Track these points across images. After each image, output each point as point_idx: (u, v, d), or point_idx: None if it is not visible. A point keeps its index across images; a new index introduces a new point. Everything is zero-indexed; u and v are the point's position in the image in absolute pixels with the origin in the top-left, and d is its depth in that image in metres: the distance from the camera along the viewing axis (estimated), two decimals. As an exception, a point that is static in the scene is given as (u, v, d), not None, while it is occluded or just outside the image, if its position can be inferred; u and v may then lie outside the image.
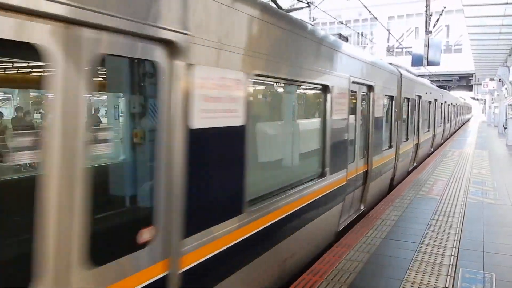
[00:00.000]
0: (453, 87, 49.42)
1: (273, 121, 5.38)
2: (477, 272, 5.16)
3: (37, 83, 6.38)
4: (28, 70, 5.27)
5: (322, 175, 5.62)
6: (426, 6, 17.16)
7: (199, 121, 3.07)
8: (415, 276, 4.97)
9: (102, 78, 3.60)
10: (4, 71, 5.66)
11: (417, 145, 14.04)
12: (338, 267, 5.19)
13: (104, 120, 8.97)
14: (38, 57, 2.04)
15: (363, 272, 5.08)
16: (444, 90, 26.98)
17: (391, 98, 9.75)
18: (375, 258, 5.55)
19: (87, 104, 2.26)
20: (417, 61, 17.32)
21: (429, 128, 16.72)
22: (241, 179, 3.67)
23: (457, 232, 6.71)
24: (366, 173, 7.81)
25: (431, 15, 17.44)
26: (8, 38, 1.91)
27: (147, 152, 2.98)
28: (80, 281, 2.28)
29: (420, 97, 13.66)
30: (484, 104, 62.59)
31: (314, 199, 5.29)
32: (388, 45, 49.84)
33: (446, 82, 46.86)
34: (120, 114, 4.75)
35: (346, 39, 7.64)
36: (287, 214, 4.57)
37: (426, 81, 17.52)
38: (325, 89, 5.65)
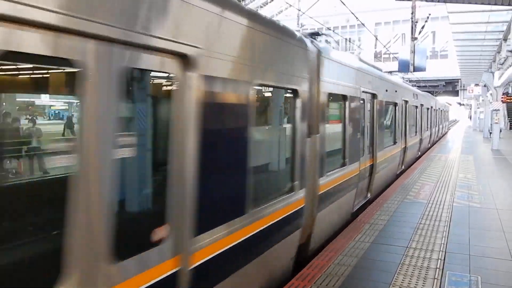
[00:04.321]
0: (439, 93, 50.12)
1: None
2: (463, 275, 5.22)
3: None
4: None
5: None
6: (412, 13, 17.42)
7: None
8: (402, 280, 5.02)
9: None
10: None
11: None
12: (327, 271, 5.22)
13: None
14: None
15: (352, 276, 5.11)
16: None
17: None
18: (363, 262, 5.59)
19: None
20: (404, 66, 17.56)
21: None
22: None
23: (443, 235, 6.80)
24: (372, 166, 9.45)
25: (416, 21, 17.70)
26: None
27: None
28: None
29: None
30: (470, 109, 63.49)
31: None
32: (376, 51, 50.38)
33: (433, 87, 47.52)
34: None
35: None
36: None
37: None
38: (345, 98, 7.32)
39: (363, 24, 19.08)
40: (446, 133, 39.57)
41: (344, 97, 7.32)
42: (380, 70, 11.92)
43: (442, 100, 41.72)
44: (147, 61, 2.76)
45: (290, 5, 19.09)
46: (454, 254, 5.95)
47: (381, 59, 46.84)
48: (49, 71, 2.92)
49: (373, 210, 8.39)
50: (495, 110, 25.89)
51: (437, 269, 5.36)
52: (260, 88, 4.64)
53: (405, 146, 14.28)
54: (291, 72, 5.02)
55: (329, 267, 5.34)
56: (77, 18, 2.17)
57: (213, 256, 3.44)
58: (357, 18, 17.20)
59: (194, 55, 3.08)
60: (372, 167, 9.45)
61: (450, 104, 53.25)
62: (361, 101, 8.50)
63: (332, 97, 6.67)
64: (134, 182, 3.12)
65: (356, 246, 6.21)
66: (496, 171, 14.59)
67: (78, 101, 2.29)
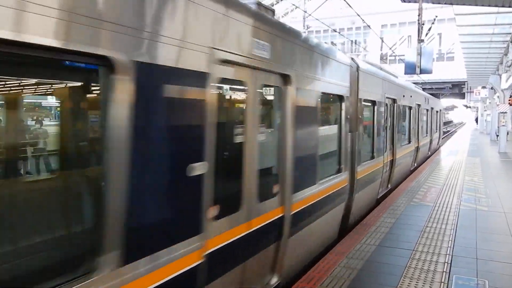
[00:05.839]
0: (446, 95, 49.89)
1: None
2: (470, 279, 5.18)
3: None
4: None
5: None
6: (419, 15, 17.34)
7: None
8: (408, 283, 4.98)
9: None
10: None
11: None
12: (333, 274, 5.20)
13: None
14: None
15: (357, 279, 5.09)
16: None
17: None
18: (369, 265, 5.56)
19: None
20: (410, 69, 17.46)
21: None
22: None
23: (450, 239, 6.75)
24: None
25: (423, 23, 17.61)
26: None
27: None
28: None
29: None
30: (477, 112, 63.20)
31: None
32: (382, 53, 50.26)
33: (439, 90, 47.27)
34: None
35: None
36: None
37: None
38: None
39: (369, 26, 19.04)
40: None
41: None
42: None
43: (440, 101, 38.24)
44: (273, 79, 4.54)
45: (297, 7, 19.10)
46: (461, 258, 5.91)
47: (386, 61, 46.74)
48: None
49: (379, 213, 8.35)
50: (502, 112, 25.73)
51: (444, 273, 5.32)
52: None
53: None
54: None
55: (335, 270, 5.32)
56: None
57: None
58: (363, 20, 17.18)
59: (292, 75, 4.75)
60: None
61: (457, 107, 52.32)
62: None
63: None
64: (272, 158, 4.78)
65: (362, 248, 6.18)
66: (503, 173, 14.49)
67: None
